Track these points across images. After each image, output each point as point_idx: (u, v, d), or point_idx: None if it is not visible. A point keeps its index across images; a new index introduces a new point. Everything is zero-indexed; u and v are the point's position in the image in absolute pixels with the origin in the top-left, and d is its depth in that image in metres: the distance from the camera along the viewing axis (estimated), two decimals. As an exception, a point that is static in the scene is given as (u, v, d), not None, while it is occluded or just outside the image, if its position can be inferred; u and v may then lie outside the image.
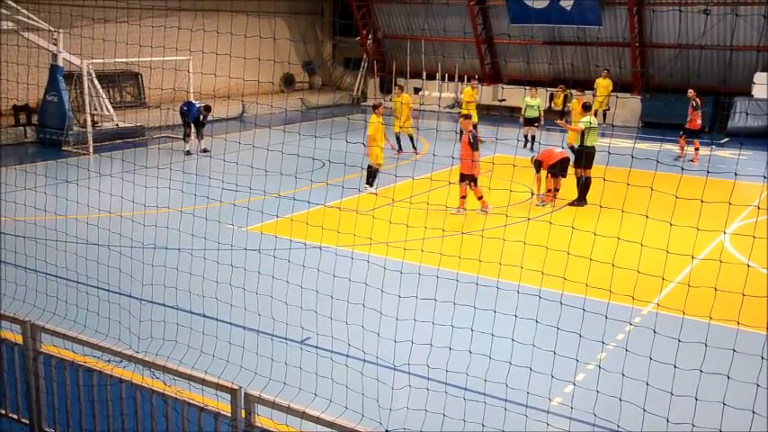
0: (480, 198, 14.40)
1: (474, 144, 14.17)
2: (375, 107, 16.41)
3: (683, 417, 5.71)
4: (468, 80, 26.12)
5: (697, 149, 20.32)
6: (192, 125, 20.49)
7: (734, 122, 25.13)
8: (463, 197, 14.49)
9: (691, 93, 20.71)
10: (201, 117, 20.32)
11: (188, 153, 20.20)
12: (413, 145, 20.41)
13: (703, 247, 11.66)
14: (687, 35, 26.31)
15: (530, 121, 21.59)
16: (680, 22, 25.98)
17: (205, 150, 20.41)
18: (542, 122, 21.53)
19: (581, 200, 15.15)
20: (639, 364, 6.16)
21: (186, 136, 20.60)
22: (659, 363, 5.78)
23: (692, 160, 20.12)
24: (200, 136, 20.60)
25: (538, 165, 15.33)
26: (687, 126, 20.39)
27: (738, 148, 21.68)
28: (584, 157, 15.24)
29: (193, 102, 20.58)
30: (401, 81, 32.71)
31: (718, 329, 6.73)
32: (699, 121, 20.27)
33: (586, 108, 16.00)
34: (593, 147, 15.34)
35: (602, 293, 6.23)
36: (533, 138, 21.68)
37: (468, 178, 14.28)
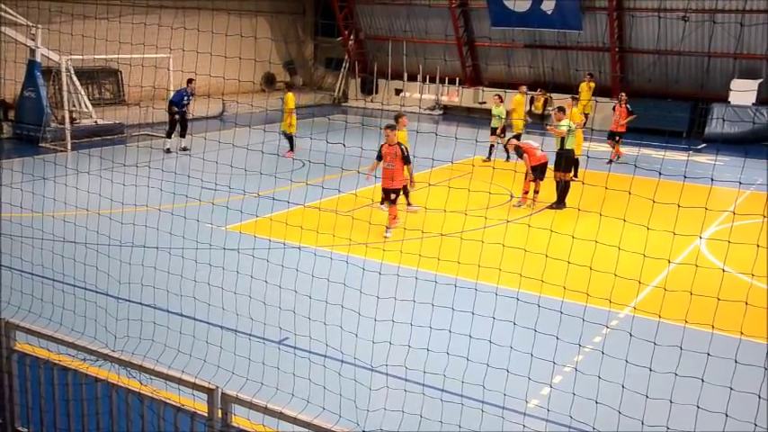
0: (395, 217, 13.45)
1: (407, 158, 13.25)
2: (397, 118, 15.00)
3: (657, 419, 5.77)
4: (514, 87, 24.81)
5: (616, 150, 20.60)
6: (179, 123, 20.31)
7: (711, 128, 25.41)
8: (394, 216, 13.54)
9: (623, 96, 20.98)
10: (186, 97, 20.07)
11: (168, 151, 20.06)
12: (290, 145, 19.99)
13: (680, 251, 11.78)
14: (666, 41, 26.59)
15: (492, 131, 20.66)
16: (659, 28, 26.26)
17: (185, 149, 20.28)
18: (504, 133, 20.36)
19: (560, 203, 15.25)
20: (616, 367, 6.21)
21: (169, 133, 20.47)
22: (635, 366, 5.83)
23: (610, 161, 20.04)
24: (182, 133, 20.47)
25: (519, 151, 15.44)
26: (619, 129, 20.56)
27: (715, 153, 21.92)
28: (564, 160, 15.35)
29: (182, 89, 20.41)
30: (382, 82, 32.77)
31: (693, 333, 6.80)
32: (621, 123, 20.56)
33: (562, 110, 16.08)
34: (573, 150, 15.48)
35: (580, 296, 6.28)
36: (491, 147, 20.73)
37: (395, 192, 13.43)
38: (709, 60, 26.25)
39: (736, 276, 10.50)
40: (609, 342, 8.30)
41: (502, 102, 20.64)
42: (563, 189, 15.29)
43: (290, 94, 20.28)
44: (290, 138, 19.86)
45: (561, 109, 16.17)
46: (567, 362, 7.86)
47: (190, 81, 19.97)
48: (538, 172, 15.37)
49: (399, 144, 13.21)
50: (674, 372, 5.37)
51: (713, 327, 5.80)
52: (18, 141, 20.97)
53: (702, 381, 5.32)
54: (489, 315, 6.09)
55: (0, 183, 11.18)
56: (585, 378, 6.66)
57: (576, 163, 17.21)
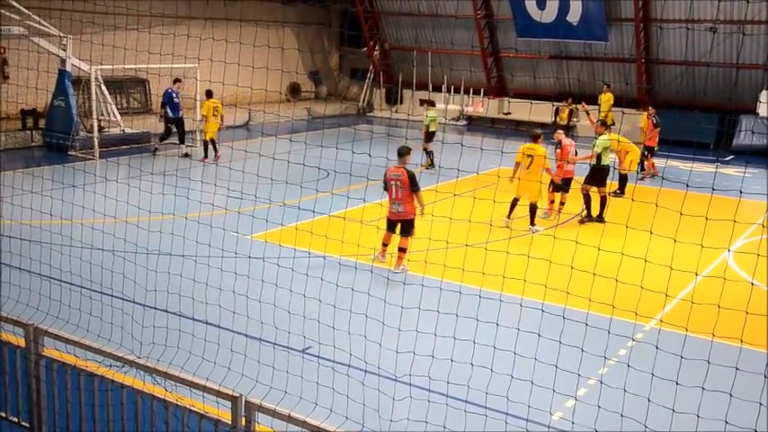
0: (403, 251, 11.62)
1: (415, 184, 11.48)
2: (535, 138, 14.23)
3: (684, 434, 5.69)
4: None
5: (653, 165, 20.24)
6: (177, 129, 20.96)
7: (739, 140, 25.13)
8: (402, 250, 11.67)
9: (651, 110, 20.64)
10: (176, 95, 20.64)
11: (186, 155, 20.72)
12: (205, 152, 20.44)
13: (707, 264, 11.64)
14: (693, 52, 26.36)
15: (429, 136, 20.64)
16: (686, 40, 26.03)
17: (186, 155, 20.89)
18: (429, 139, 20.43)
19: (599, 217, 14.81)
20: (641, 380, 6.15)
21: (181, 139, 21.07)
22: (661, 379, 5.77)
23: (653, 175, 19.83)
24: (181, 139, 21.17)
25: (558, 144, 15.28)
26: (647, 144, 20.20)
27: (743, 165, 21.67)
28: (595, 174, 14.95)
29: (168, 89, 20.94)
30: (407, 92, 32.81)
31: (721, 347, 6.71)
32: (657, 138, 20.13)
33: (604, 125, 15.57)
34: (608, 166, 15.03)
35: (605, 308, 6.23)
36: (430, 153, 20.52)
37: (409, 224, 11.60)
38: (737, 72, 25.98)
39: (765, 290, 10.36)
40: (634, 355, 8.22)
41: (433, 106, 21.57)
42: (600, 202, 14.88)
43: (206, 102, 20.33)
44: (205, 144, 20.42)
45: (604, 123, 15.71)
46: (591, 374, 7.79)
47: (176, 81, 20.48)
48: (562, 184, 15.21)
49: (404, 167, 11.62)
50: (702, 386, 5.31)
51: (741, 341, 5.73)
52: (48, 149, 21.29)
53: (731, 395, 5.25)
54: (514, 326, 6.06)
55: (4, 186, 11.39)
56: (610, 391, 6.60)
57: (624, 179, 17.22)
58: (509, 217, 14.06)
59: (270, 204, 9.76)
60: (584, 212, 15.04)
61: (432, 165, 20.00)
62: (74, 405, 5.91)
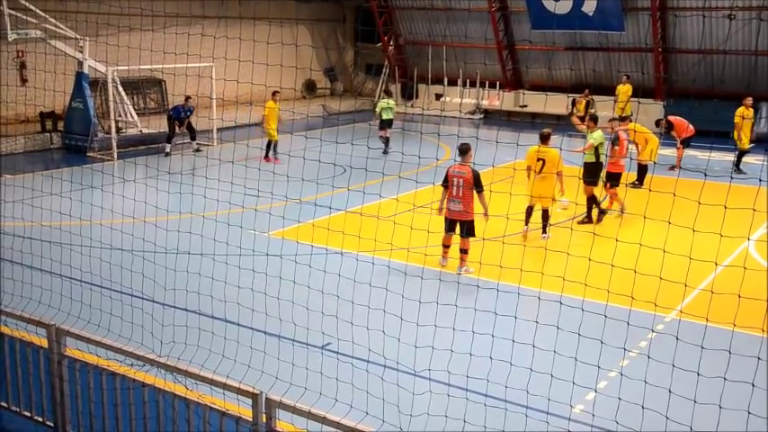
0: (465, 252, 11.38)
1: (479, 184, 11.15)
2: (545, 138, 13.22)
3: (706, 425, 5.66)
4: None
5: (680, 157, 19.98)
6: (181, 126, 21.41)
7: (759, 128, 24.84)
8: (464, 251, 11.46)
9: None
10: (184, 112, 21.19)
11: (167, 154, 20.94)
12: (266, 152, 20.14)
13: (727, 253, 11.53)
14: (711, 40, 26.08)
15: (387, 123, 21.73)
16: (703, 27, 25.78)
17: (198, 150, 21.35)
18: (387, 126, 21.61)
19: (599, 216, 14.46)
20: (662, 372, 6.11)
21: (169, 138, 21.36)
22: (682, 370, 5.73)
23: (672, 167, 19.49)
24: (192, 135, 21.66)
25: (616, 138, 14.96)
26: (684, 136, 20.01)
27: (763, 153, 21.43)
28: (590, 169, 14.56)
29: (179, 106, 21.45)
30: (422, 87, 32.75)
31: (743, 337, 6.66)
32: (691, 127, 19.81)
33: (595, 120, 14.85)
34: (601, 163, 14.25)
35: (625, 300, 6.20)
36: (387, 140, 21.53)
37: (470, 225, 11.32)
38: (756, 59, 25.67)
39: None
40: (655, 346, 8.17)
41: (390, 96, 22.60)
42: (592, 203, 14.58)
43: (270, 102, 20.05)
44: (268, 144, 20.24)
45: (594, 118, 14.92)
46: (612, 366, 7.76)
47: (187, 98, 20.92)
48: (614, 179, 14.67)
49: (469, 165, 11.28)
50: (723, 376, 5.27)
51: (763, 330, 5.67)
52: (66, 151, 21.47)
53: (753, 386, 5.21)
54: (533, 319, 6.04)
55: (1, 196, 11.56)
56: (631, 383, 6.57)
57: (643, 169, 17.08)
58: (527, 224, 13.31)
59: (287, 201, 9.80)
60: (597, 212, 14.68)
61: (385, 152, 20.45)
62: (96, 404, 5.97)
